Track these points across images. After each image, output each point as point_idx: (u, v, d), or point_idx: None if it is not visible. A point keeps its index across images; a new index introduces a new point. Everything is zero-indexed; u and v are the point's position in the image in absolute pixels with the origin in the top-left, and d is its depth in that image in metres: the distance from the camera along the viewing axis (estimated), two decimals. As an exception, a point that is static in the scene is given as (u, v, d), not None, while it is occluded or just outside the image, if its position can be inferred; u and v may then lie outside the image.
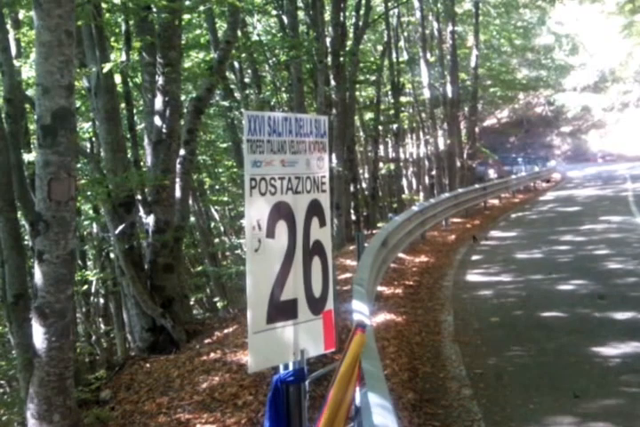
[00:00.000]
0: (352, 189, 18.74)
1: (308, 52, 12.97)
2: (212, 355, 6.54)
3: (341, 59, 14.55)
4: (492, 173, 32.59)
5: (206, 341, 8.12)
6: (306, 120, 3.05)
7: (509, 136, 46.12)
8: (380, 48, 23.03)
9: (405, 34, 23.66)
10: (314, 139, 3.08)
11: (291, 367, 3.07)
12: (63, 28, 3.97)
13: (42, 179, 4.06)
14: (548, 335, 6.38)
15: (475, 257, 11.49)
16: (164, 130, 8.83)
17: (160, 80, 8.75)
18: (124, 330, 12.01)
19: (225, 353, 6.42)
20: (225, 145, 18.87)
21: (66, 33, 3.98)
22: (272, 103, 18.55)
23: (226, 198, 18.31)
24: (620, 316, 6.83)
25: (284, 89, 17.28)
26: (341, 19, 15.27)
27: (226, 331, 8.37)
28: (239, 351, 6.36)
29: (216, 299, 17.89)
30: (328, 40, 14.69)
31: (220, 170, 18.86)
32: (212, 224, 18.67)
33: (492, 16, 26.88)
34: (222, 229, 19.63)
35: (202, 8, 11.09)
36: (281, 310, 2.95)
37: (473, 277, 9.78)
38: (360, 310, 4.53)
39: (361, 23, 16.15)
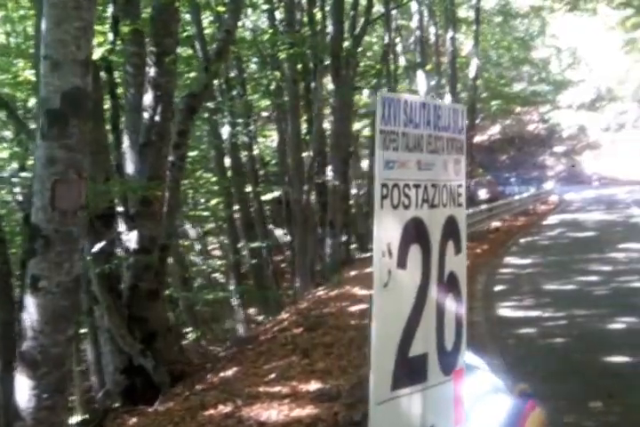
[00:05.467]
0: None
1: (312, 48, 12.40)
2: (221, 407, 5.72)
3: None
4: (482, 194, 32.29)
5: (199, 386, 7.30)
6: (444, 109, 2.42)
7: (500, 154, 46.26)
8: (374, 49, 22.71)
9: (400, 39, 23.39)
10: (451, 135, 2.45)
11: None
12: (83, -15, 3.28)
13: (43, 181, 3.31)
14: (625, 385, 5.75)
15: (498, 287, 10.97)
16: (153, 130, 8.14)
17: (151, 72, 8.04)
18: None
19: (238, 406, 5.63)
20: (195, 153, 18.13)
21: (86, -9, 3.30)
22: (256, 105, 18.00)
23: (206, 213, 17.54)
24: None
25: (270, 90, 16.70)
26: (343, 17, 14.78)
27: (223, 374, 7.58)
28: (256, 404, 5.57)
29: (187, 329, 17.00)
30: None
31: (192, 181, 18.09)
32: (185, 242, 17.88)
33: (492, 25, 26.89)
34: (198, 248, 18.83)
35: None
36: (408, 371, 2.28)
37: (505, 311, 9.19)
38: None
39: (362, 22, 15.67)
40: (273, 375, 6.58)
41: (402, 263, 2.19)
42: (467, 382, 2.55)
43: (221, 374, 7.55)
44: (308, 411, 5.26)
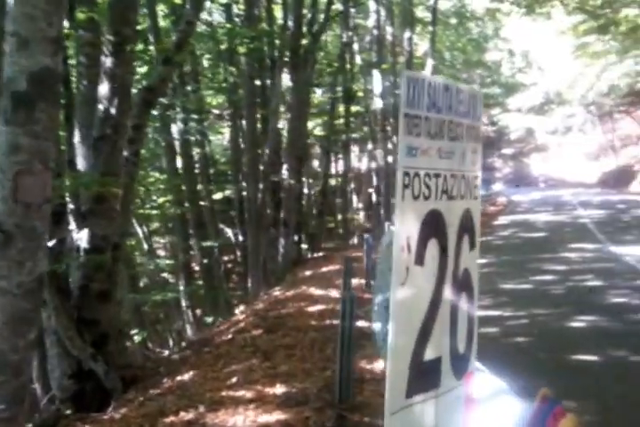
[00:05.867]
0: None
1: (271, 43, 12.19)
2: (182, 414, 5.48)
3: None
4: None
5: (154, 391, 7.02)
6: (465, 94, 2.28)
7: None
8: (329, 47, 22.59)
9: (357, 38, 23.34)
10: (470, 122, 2.32)
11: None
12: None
13: (5, 170, 3.04)
14: (597, 386, 5.73)
15: (457, 288, 10.98)
16: (108, 123, 7.80)
17: (108, 62, 7.71)
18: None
19: (201, 413, 5.39)
20: (142, 151, 17.67)
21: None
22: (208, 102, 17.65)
23: (155, 212, 17.08)
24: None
25: (225, 87, 16.39)
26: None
27: (179, 378, 7.30)
28: (220, 410, 5.33)
29: (133, 331, 16.52)
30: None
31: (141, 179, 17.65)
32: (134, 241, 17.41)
33: (447, 27, 27.14)
34: (146, 247, 18.37)
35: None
36: (422, 377, 2.13)
37: (466, 311, 9.20)
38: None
39: (321, 19, 15.54)
40: (234, 379, 6.36)
41: (419, 260, 2.04)
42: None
43: (178, 379, 7.27)
44: (276, 416, 5.08)
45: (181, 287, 17.74)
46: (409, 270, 2.00)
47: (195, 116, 15.38)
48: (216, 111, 21.30)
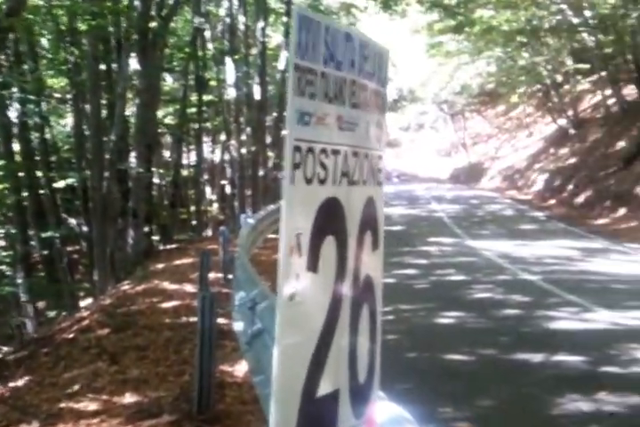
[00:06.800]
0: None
1: (117, 23, 11.15)
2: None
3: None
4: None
5: (-19, 400, 6.06)
6: (371, 48, 1.73)
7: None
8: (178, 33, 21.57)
9: (209, 26, 22.50)
10: (375, 86, 1.78)
11: None
12: None
13: None
14: (470, 388, 5.40)
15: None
16: None
17: None
18: None
19: (35, 429, 4.59)
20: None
21: None
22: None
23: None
24: (535, 358, 6.10)
25: (67, 68, 15.00)
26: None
27: (12, 384, 6.36)
28: (58, 424, 4.54)
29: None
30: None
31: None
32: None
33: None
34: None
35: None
36: (315, 418, 1.58)
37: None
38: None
39: (171, 1, 14.58)
40: (76, 387, 5.58)
41: (313, 265, 1.49)
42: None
43: (10, 385, 6.36)
44: (125, 432, 4.38)
45: (19, 280, 16.18)
46: (299, 279, 1.44)
47: (33, 98, 13.93)
48: (58, 95, 19.66)
